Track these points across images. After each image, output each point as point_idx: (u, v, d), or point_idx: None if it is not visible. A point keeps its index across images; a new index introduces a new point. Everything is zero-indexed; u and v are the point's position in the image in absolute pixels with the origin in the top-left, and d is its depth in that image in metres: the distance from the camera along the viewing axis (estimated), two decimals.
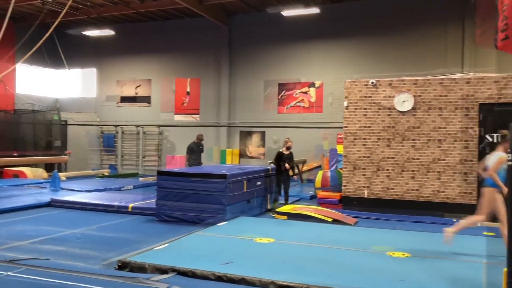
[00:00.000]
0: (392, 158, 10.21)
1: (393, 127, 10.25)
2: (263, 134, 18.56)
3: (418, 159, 10.01)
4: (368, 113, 10.44)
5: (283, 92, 18.22)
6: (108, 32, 19.58)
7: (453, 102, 9.79)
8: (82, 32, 19.76)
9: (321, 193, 11.28)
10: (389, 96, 10.27)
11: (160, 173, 9.11)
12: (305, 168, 16.48)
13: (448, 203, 9.69)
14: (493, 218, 6.43)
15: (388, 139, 10.27)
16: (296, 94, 18.02)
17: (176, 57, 19.92)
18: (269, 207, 10.31)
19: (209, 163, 15.69)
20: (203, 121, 19.23)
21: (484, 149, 9.39)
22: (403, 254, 6.10)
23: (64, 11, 12.18)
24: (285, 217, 9.06)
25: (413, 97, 10.07)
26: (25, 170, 16.23)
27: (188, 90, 19.76)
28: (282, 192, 10.43)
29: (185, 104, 19.82)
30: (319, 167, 15.82)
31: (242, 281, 4.88)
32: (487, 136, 9.50)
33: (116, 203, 9.93)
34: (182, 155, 15.95)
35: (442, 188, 9.79)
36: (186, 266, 5.25)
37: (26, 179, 15.29)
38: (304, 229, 7.92)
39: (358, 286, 4.75)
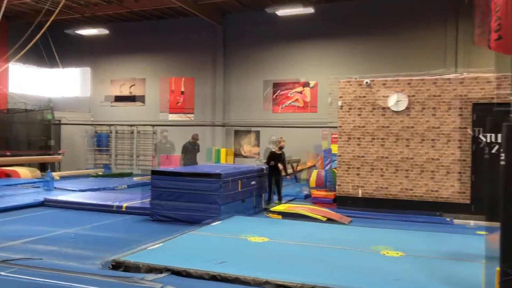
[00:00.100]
0: (386, 157, 10.25)
1: (387, 126, 10.28)
2: (257, 133, 18.57)
3: (412, 158, 10.05)
4: (363, 112, 10.47)
5: (277, 92, 18.24)
6: (102, 31, 19.49)
7: (447, 102, 9.84)
8: (76, 31, 19.66)
9: (316, 193, 11.31)
10: (383, 96, 10.31)
11: (154, 172, 9.08)
12: (299, 167, 16.50)
13: (442, 203, 9.74)
14: (490, 217, 6.45)
15: (382, 138, 10.31)
16: (291, 93, 18.04)
17: (170, 56, 19.88)
18: (263, 206, 10.33)
19: (204, 162, 15.66)
20: (198, 121, 19.21)
21: (477, 148, 9.45)
22: (398, 253, 6.11)
23: (57, 10, 12.12)
24: (280, 216, 9.06)
25: (407, 97, 10.11)
26: (18, 169, 16.13)
27: (182, 89, 19.73)
28: (275, 191, 10.43)
29: (179, 104, 19.78)
30: (313, 166, 15.86)
31: (236, 280, 4.88)
32: (481, 136, 9.55)
33: (110, 203, 9.88)
34: (177, 154, 15.91)
35: (435, 187, 9.83)
36: (180, 265, 5.23)
37: (19, 179, 15.18)
38: (298, 228, 7.92)
39: (353, 285, 4.75)
